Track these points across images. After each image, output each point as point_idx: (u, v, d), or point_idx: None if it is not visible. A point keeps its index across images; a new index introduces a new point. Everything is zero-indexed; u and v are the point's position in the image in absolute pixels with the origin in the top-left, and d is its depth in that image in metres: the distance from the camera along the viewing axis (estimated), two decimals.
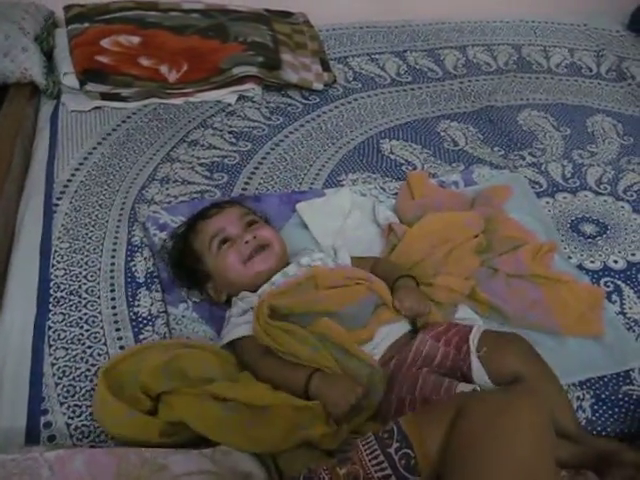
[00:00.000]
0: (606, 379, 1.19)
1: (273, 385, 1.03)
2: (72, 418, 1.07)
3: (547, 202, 1.58)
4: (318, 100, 1.94)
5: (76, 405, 1.09)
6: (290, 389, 1.02)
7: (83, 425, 1.06)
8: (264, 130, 1.79)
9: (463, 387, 1.01)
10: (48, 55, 1.94)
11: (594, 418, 1.13)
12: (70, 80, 1.83)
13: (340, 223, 1.44)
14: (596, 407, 1.14)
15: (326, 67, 2.03)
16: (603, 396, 1.16)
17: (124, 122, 1.79)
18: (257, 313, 1.07)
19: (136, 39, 1.93)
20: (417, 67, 2.13)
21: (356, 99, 1.96)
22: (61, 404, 1.09)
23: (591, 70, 2.18)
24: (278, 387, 1.03)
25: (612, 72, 2.17)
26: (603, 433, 1.12)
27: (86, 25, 1.95)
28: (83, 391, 1.11)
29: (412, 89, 2.02)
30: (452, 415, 0.88)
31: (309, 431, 0.96)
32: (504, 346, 1.08)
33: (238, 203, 1.33)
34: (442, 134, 1.82)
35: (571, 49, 2.28)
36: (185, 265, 1.26)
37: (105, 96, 1.82)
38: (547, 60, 2.21)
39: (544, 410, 0.88)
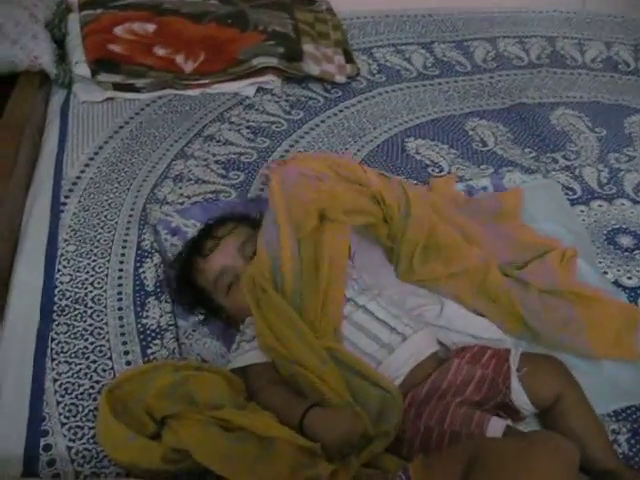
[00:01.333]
0: None
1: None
2: (73, 441, 1.00)
3: (581, 211, 1.48)
4: (340, 94, 1.85)
5: (78, 426, 1.02)
6: (287, 424, 0.95)
7: (85, 449, 1.00)
8: (283, 125, 1.71)
9: (495, 423, 0.94)
10: (60, 42, 1.86)
11: (631, 454, 1.04)
12: (82, 69, 1.75)
13: None
14: (633, 441, 1.05)
15: (349, 58, 1.93)
16: None
17: (137, 114, 1.72)
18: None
19: (151, 27, 1.85)
20: (445, 59, 2.03)
21: (380, 93, 1.87)
22: (62, 424, 1.02)
23: (629, 65, 2.07)
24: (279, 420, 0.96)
25: None
26: None
27: (99, 11, 1.87)
28: (86, 411, 1.05)
29: (439, 83, 1.93)
30: (465, 465, 0.81)
31: (316, 470, 0.89)
32: (545, 367, 1.06)
33: (233, 223, 1.22)
34: (470, 133, 1.72)
35: (607, 42, 2.16)
36: (196, 300, 1.19)
37: (118, 86, 1.74)
38: (582, 54, 2.10)
39: (566, 458, 0.82)
